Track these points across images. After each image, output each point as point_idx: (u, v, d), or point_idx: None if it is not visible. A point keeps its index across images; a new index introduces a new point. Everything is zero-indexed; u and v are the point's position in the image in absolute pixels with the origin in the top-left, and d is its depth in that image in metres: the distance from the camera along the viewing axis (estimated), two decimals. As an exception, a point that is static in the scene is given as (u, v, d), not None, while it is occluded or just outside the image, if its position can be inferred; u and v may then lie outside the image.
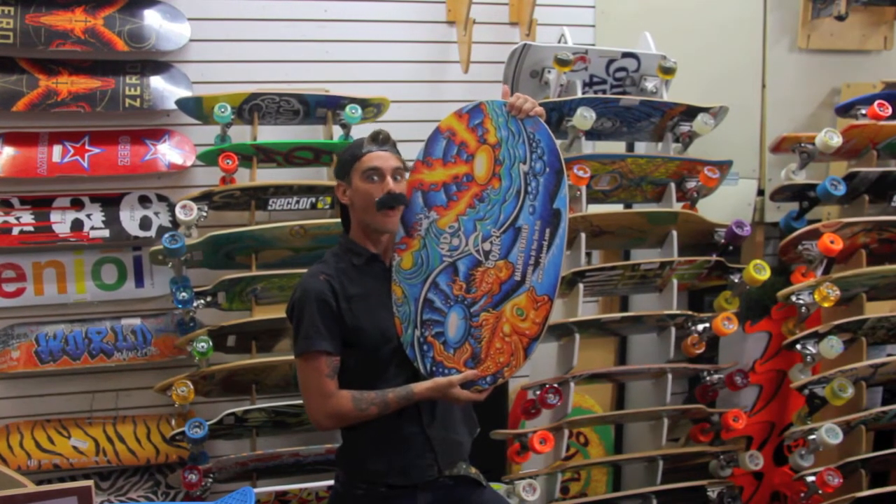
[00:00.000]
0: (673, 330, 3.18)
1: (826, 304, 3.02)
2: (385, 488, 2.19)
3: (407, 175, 2.28)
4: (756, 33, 3.73)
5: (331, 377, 2.14)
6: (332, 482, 2.39)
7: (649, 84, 3.33)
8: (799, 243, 3.14)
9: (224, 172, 3.15)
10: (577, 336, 3.07)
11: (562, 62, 3.15)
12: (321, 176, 3.41)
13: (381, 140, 2.23)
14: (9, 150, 3.25)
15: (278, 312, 3.13)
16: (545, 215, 2.15)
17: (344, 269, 2.22)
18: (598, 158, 3.14)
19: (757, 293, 3.37)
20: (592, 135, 3.28)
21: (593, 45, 3.66)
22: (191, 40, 3.38)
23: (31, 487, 2.03)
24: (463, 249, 2.22)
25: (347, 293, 2.18)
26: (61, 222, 3.31)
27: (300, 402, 3.07)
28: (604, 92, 3.38)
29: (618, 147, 3.54)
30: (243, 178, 3.28)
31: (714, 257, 3.20)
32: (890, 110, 3.15)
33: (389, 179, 2.18)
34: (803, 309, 3.07)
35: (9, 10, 3.21)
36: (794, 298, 3.07)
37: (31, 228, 3.28)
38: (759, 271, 3.07)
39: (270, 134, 3.40)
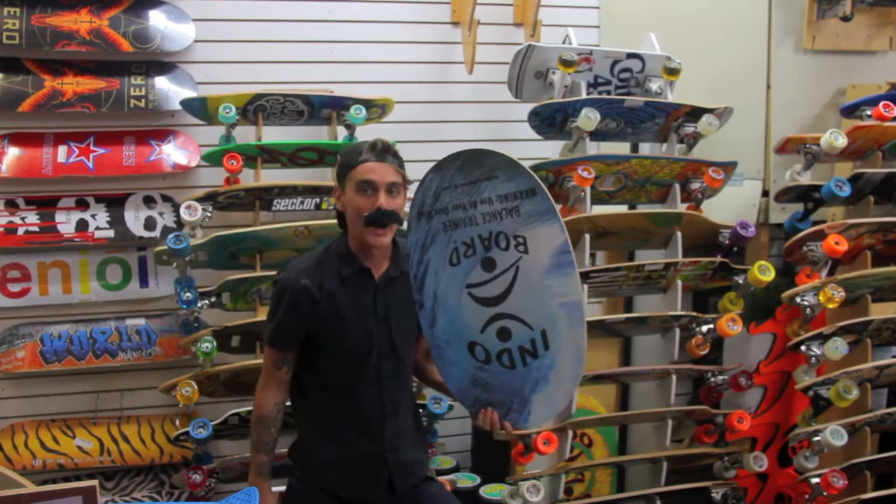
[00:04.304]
0: (677, 331, 3.18)
1: (831, 306, 3.01)
2: (335, 501, 2.19)
3: (406, 190, 2.13)
4: (761, 34, 3.74)
5: (278, 367, 2.19)
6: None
7: (654, 85, 3.33)
8: (804, 244, 3.13)
9: (228, 173, 3.15)
10: (582, 337, 3.06)
11: (566, 63, 3.15)
12: (325, 176, 3.41)
13: (380, 150, 2.07)
14: (14, 151, 3.26)
15: (282, 313, 3.15)
16: None
17: (332, 271, 2.14)
18: (602, 159, 3.13)
19: (761, 294, 3.37)
20: (597, 136, 3.28)
21: (598, 45, 3.65)
22: (195, 41, 3.38)
23: (34, 487, 2.02)
24: None
25: (330, 299, 2.12)
26: (66, 222, 3.32)
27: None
28: (608, 93, 3.38)
29: (622, 148, 3.54)
30: (248, 178, 3.28)
31: (718, 258, 3.19)
32: (895, 111, 3.15)
33: (382, 195, 2.05)
34: (808, 310, 3.06)
35: (14, 11, 3.21)
36: (798, 300, 3.06)
37: (36, 228, 3.29)
38: (763, 272, 3.06)
39: (275, 134, 3.40)
